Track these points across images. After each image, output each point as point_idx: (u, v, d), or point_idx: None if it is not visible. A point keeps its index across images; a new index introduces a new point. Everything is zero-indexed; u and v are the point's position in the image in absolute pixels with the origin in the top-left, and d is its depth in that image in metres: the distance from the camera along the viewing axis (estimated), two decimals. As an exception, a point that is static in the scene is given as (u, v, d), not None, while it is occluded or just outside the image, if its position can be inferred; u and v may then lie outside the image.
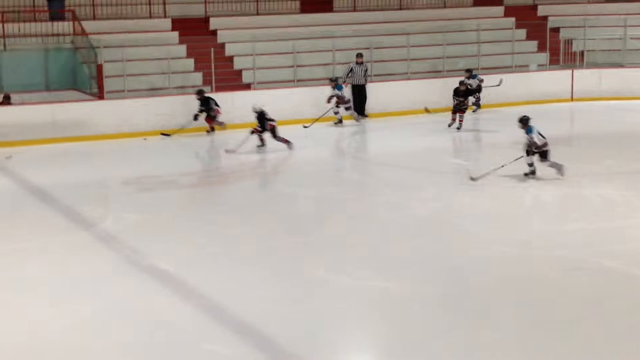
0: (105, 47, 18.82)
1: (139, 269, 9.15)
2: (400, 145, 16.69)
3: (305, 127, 18.28)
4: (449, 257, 9.33)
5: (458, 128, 17.48)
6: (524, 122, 12.65)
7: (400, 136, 17.78)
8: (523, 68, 22.30)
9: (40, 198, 12.64)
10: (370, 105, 19.87)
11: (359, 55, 19.89)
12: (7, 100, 17.83)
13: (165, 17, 21.79)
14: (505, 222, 10.77)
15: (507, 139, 15.36)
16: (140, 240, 10.16)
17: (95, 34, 19.61)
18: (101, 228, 10.78)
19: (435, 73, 21.26)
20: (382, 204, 11.94)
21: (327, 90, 18.61)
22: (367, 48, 20.67)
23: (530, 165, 12.71)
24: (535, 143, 12.49)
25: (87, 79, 19.53)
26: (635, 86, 21.51)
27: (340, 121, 18.78)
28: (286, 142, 15.68)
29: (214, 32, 21.61)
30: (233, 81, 19.95)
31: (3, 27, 19.59)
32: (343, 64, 20.23)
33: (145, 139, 17.32)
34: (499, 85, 19.11)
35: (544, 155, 12.59)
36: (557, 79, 21.84)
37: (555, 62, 22.85)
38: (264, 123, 15.53)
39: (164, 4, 22.04)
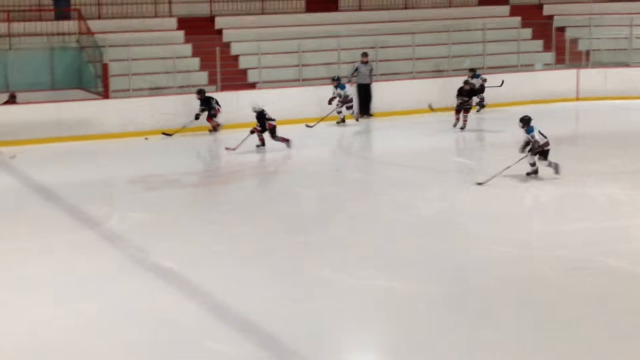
0: (110, 46, 18.84)
1: (144, 267, 9.16)
2: (405, 145, 16.68)
3: (309, 126, 18.24)
4: (453, 257, 9.32)
5: (462, 128, 17.45)
6: (525, 121, 12.63)
7: (405, 135, 17.77)
8: (528, 67, 22.25)
9: (45, 197, 12.66)
10: (376, 104, 19.86)
11: (364, 55, 19.88)
12: (12, 99, 17.86)
13: (170, 16, 21.80)
14: (509, 221, 10.76)
15: (511, 139, 15.29)
16: (145, 239, 10.17)
17: (101, 33, 19.64)
18: (106, 227, 10.80)
19: (440, 72, 21.22)
20: (386, 203, 11.94)
21: (332, 90, 18.57)
22: (373, 47, 20.65)
23: (533, 165, 12.70)
24: (537, 142, 12.47)
25: (92, 78, 19.56)
26: (640, 85, 21.49)
27: (342, 120, 18.76)
28: (285, 140, 15.67)
29: (220, 32, 21.62)
30: (238, 80, 19.96)
31: (9, 26, 19.63)
32: (348, 63, 20.22)
33: (146, 138, 17.33)
34: (500, 86, 19.06)
35: (544, 154, 12.57)
36: (563, 79, 21.79)
37: (560, 61, 22.80)
38: (263, 122, 15.51)
39: (170, 3, 22.05)
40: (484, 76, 19.35)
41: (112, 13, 21.37)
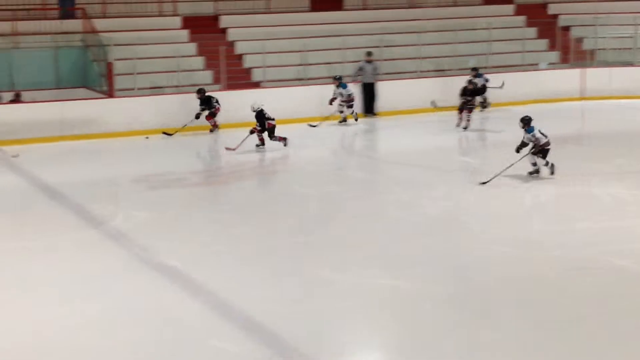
0: (115, 45, 18.87)
1: (148, 266, 9.17)
2: (408, 144, 16.68)
3: (313, 125, 18.21)
4: (457, 256, 9.31)
5: (465, 127, 17.41)
6: (526, 122, 12.61)
7: (408, 135, 17.76)
8: (533, 66, 22.22)
9: (49, 195, 12.68)
10: (380, 103, 19.85)
11: (369, 54, 19.88)
12: (17, 98, 17.89)
13: (175, 15, 21.81)
14: (512, 221, 10.74)
15: (515, 138, 15.22)
16: (149, 238, 10.18)
17: (106, 32, 19.66)
18: (111, 226, 10.80)
19: (444, 71, 21.19)
20: (390, 202, 11.94)
21: (333, 89, 18.53)
22: (377, 46, 20.65)
23: (534, 164, 12.67)
24: (538, 140, 12.45)
25: (97, 77, 19.58)
26: (646, 85, 21.45)
27: (344, 120, 18.72)
28: (282, 139, 15.66)
29: (224, 30, 21.63)
30: (243, 79, 19.96)
31: (14, 25, 19.66)
32: (353, 62, 20.22)
33: (147, 137, 17.33)
34: (501, 87, 19.01)
35: (543, 153, 12.54)
36: (568, 78, 21.74)
37: (565, 60, 22.77)
38: (263, 122, 15.49)
39: (174, 1, 22.07)
40: (487, 76, 19.29)
41: (117, 12, 21.39)
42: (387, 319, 7.65)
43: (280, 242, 10.03)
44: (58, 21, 20.73)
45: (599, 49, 22.77)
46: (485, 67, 21.03)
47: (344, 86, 18.55)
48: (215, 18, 22.15)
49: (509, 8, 24.76)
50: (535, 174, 12.73)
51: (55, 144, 16.86)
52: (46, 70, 19.65)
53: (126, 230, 10.58)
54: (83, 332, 7.42)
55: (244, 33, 21.36)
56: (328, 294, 8.23)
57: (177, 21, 21.57)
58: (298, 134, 17.03)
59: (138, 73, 18.89)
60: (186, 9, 22.10)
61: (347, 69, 20.10)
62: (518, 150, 12.66)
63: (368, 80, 19.73)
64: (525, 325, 7.36)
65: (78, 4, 21.03)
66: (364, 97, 19.75)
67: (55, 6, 21.21)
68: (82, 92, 19.33)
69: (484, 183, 12.35)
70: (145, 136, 17.37)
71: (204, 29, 21.31)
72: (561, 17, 24.10)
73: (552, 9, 24.96)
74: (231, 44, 20.95)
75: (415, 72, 21.03)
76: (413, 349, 7.01)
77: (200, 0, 22.51)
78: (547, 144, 12.55)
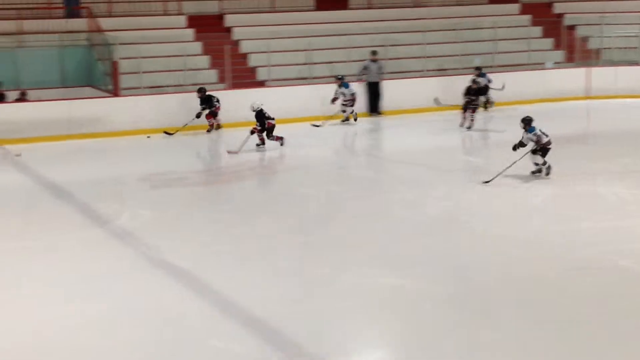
0: (120, 44, 18.91)
1: (152, 266, 9.17)
2: (412, 143, 16.67)
3: (316, 125, 18.16)
4: (459, 256, 9.26)
5: (469, 127, 17.38)
6: (527, 122, 12.58)
7: (412, 134, 17.74)
8: (539, 66, 22.18)
9: (55, 194, 12.70)
10: (385, 102, 19.84)
11: (374, 53, 19.87)
12: (23, 97, 17.92)
13: (180, 14, 21.83)
14: (514, 221, 10.72)
15: (519, 137, 15.28)
16: (154, 237, 10.18)
17: (111, 31, 19.69)
18: (116, 225, 10.81)
19: (447, 70, 21.16)
20: (394, 201, 11.92)
21: (334, 89, 18.51)
22: (382, 45, 20.64)
23: (537, 164, 12.64)
24: (540, 139, 12.42)
25: (102, 76, 19.61)
26: (651, 84, 21.41)
27: (347, 119, 18.70)
28: (279, 139, 15.65)
29: (229, 29, 21.64)
30: (248, 78, 19.97)
31: (19, 24, 19.69)
32: (358, 61, 20.21)
33: (148, 136, 17.34)
34: (501, 89, 18.97)
35: (544, 152, 12.51)
36: (573, 77, 21.71)
37: (571, 59, 22.74)
38: (263, 121, 15.49)
39: (179, 1, 22.09)
40: (489, 76, 19.20)
41: (122, 11, 21.42)
42: (387, 319, 7.64)
43: (283, 242, 10.02)
44: (63, 20, 20.78)
45: (605, 48, 22.74)
46: (491, 67, 21.00)
47: (346, 86, 18.52)
48: (220, 17, 22.15)
49: (514, 7, 24.73)
50: (538, 174, 12.70)
51: (61, 142, 16.88)
52: (51, 69, 19.69)
53: (131, 229, 10.60)
54: (85, 331, 7.42)
55: (249, 32, 21.37)
56: (329, 293, 8.22)
57: (182, 20, 21.58)
58: (300, 133, 17.04)
59: (143, 72, 18.91)
60: (191, 8, 22.12)
61: (352, 68, 20.09)
62: (515, 148, 12.63)
63: (373, 79, 19.72)
64: (525, 325, 7.34)
65: (83, 3, 21.07)
66: (369, 96, 19.75)
67: (61, 5, 21.25)
68: (87, 91, 19.36)
69: (486, 182, 12.33)
70: (147, 135, 17.38)
71: (209, 28, 21.33)
72: (566, 16, 24.07)
73: (558, 8, 24.93)
74: (236, 43, 20.95)
75: (420, 71, 21.02)
76: (413, 349, 7.00)
77: (205, -1, 22.55)
78: (549, 143, 12.52)
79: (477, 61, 20.79)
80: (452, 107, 17.97)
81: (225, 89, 19.05)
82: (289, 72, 20.25)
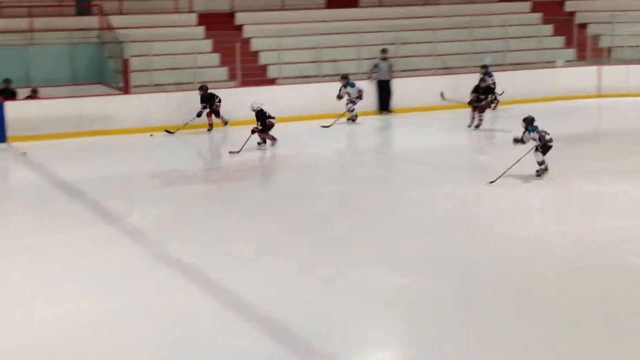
0: (131, 41, 18.92)
1: (163, 264, 9.19)
2: (421, 142, 16.65)
3: (325, 126, 18.03)
4: (460, 256, 9.20)
5: (477, 126, 17.30)
6: (529, 122, 12.49)
7: (421, 132, 17.70)
8: (550, 64, 22.11)
9: (66, 192, 12.73)
10: (395, 100, 19.82)
11: (384, 51, 19.84)
12: (34, 94, 17.97)
13: (191, 12, 21.85)
14: (518, 220, 10.71)
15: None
16: (164, 235, 10.19)
17: (122, 29, 19.72)
18: (127, 222, 10.83)
19: (458, 69, 21.09)
20: (400, 200, 11.90)
21: (339, 88, 18.43)
22: (393, 43, 20.62)
23: (544, 161, 12.52)
24: (543, 137, 12.35)
25: (113, 74, 19.64)
26: (663, 82, 21.32)
27: (353, 118, 18.57)
28: (273, 138, 15.63)
29: (240, 27, 21.64)
30: (258, 76, 19.97)
31: (30, 21, 19.74)
32: (368, 59, 20.19)
33: (151, 135, 17.35)
34: (500, 94, 18.83)
35: (545, 150, 12.42)
36: (584, 75, 21.65)
37: (582, 58, 22.67)
38: (264, 121, 15.47)
39: (190, -2, 22.12)
40: (495, 78, 18.97)
41: (133, 9, 21.43)
42: (387, 318, 7.62)
43: (289, 240, 10.01)
44: (74, 18, 20.82)
45: (616, 47, 22.65)
46: (502, 65, 20.97)
47: (352, 85, 18.46)
48: (230, 15, 22.16)
49: (525, 5, 24.66)
50: (543, 173, 12.59)
51: (71, 140, 16.92)
52: (62, 67, 19.74)
53: (142, 226, 10.62)
54: (96, 328, 7.42)
55: (259, 30, 21.36)
56: (335, 292, 8.21)
57: (192, 18, 21.60)
58: (308, 131, 17.04)
59: (154, 70, 18.93)
60: (202, 5, 22.12)
61: (363, 66, 20.07)
62: (515, 141, 12.54)
63: (383, 77, 19.70)
64: (525, 325, 7.30)
65: (94, 0, 21.09)
66: (379, 94, 19.73)
67: (72, 3, 21.28)
68: (97, 88, 19.40)
69: (491, 182, 12.23)
70: (150, 134, 17.38)
71: (220, 25, 21.33)
72: (578, 14, 24.00)
73: (569, 6, 24.85)
74: (247, 41, 20.95)
75: (430, 69, 20.99)
76: (415, 348, 7.00)
77: (215, -3, 22.55)
78: (550, 140, 12.43)
79: (488, 59, 20.71)
80: (457, 104, 17.88)
81: (235, 87, 19.06)
82: (299, 70, 20.23)
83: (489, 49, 21.76)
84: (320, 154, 15.61)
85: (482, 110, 17.37)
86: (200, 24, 21.37)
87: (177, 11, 21.88)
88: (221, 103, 17.50)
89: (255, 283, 8.45)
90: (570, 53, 22.78)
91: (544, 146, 12.41)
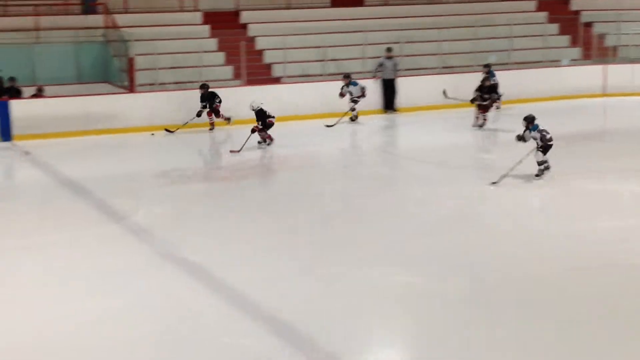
0: (136, 40, 18.94)
1: (168, 262, 9.19)
2: (426, 141, 16.63)
3: (329, 126, 18.02)
4: (464, 255, 9.18)
5: (481, 125, 17.28)
6: (530, 120, 12.45)
7: (427, 131, 17.67)
8: (555, 63, 22.09)
9: (71, 190, 12.75)
10: (401, 99, 19.81)
11: (389, 50, 19.83)
12: (39, 93, 18.00)
13: (196, 10, 21.86)
14: (521, 220, 10.66)
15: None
16: (169, 234, 10.20)
17: (127, 28, 19.74)
18: (132, 221, 10.84)
19: (463, 68, 21.06)
20: (405, 199, 11.88)
21: (341, 87, 18.41)
22: (397, 42, 20.61)
23: (544, 162, 12.46)
24: (545, 137, 12.32)
25: (118, 72, 19.67)
26: (669, 81, 21.29)
27: (354, 118, 18.54)
28: (270, 138, 15.62)
29: (245, 26, 21.66)
30: (263, 75, 19.98)
31: (36, 20, 19.78)
32: (373, 58, 20.18)
33: (152, 134, 17.36)
34: (501, 95, 18.78)
35: (545, 149, 12.39)
36: (590, 74, 21.61)
37: (587, 57, 22.64)
38: (264, 120, 15.48)
39: (195, -3, 22.14)
40: (497, 78, 18.89)
41: (138, 7, 21.47)
42: (391, 317, 7.61)
43: (294, 239, 10.01)
44: (80, 16, 20.86)
45: (622, 46, 22.61)
46: (507, 64, 20.94)
47: (354, 84, 18.43)
48: (235, 13, 22.17)
49: (531, 4, 24.62)
50: (546, 171, 12.56)
51: (77, 138, 16.95)
52: (67, 65, 19.79)
53: (147, 225, 10.63)
54: (102, 327, 7.42)
55: (264, 29, 21.38)
56: (340, 291, 8.20)
57: (197, 17, 21.61)
58: (311, 131, 17.03)
59: (159, 68, 18.95)
60: (207, 4, 22.13)
61: (368, 65, 20.07)
62: (518, 139, 12.52)
63: (388, 76, 19.69)
64: (525, 325, 7.27)
65: (99, -1, 21.15)
66: (384, 93, 19.72)
67: (77, 1, 21.32)
68: (103, 87, 19.44)
69: (494, 183, 12.18)
70: (151, 133, 17.39)
71: (225, 24, 21.35)
72: (583, 13, 23.96)
73: (574, 4, 24.81)
74: (252, 40, 20.96)
75: (435, 68, 20.97)
76: (415, 347, 7.00)
77: (220, -4, 22.57)
78: (550, 139, 12.38)
79: (493, 58, 20.70)
80: (461, 103, 17.86)
81: (240, 86, 19.07)
82: (304, 69, 20.24)
83: (494, 48, 21.74)
84: (324, 153, 15.60)
85: (486, 109, 17.34)
86: (205, 22, 21.39)
87: (182, 10, 21.91)
88: (221, 103, 17.44)
89: (263, 281, 8.44)
90: (576, 52, 22.75)
91: (545, 146, 12.39)
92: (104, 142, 16.78)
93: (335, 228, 10.53)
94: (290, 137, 16.10)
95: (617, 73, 21.50)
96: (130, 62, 18.78)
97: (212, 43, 20.58)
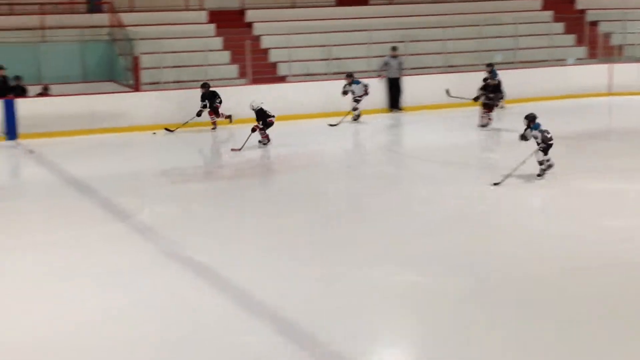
0: (142, 39, 18.98)
1: (173, 261, 9.21)
2: (431, 140, 16.64)
3: (333, 125, 18.02)
4: (470, 255, 9.14)
5: (485, 125, 17.25)
6: (531, 119, 12.43)
7: (431, 130, 17.68)
8: (560, 62, 22.07)
9: (77, 189, 12.78)
10: (406, 98, 19.82)
11: (394, 49, 19.84)
12: (45, 92, 18.05)
13: (201, 9, 21.90)
14: (527, 219, 10.63)
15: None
16: (174, 233, 10.20)
17: (132, 26, 19.78)
18: (137, 220, 10.87)
19: (468, 67, 21.04)
20: (409, 198, 11.88)
21: (343, 86, 18.40)
22: (402, 41, 20.62)
23: (548, 160, 12.42)
24: (546, 137, 12.30)
25: (123, 71, 19.71)
26: (675, 80, 21.26)
27: (357, 117, 18.53)
28: (266, 138, 15.63)
29: (250, 25, 21.68)
30: (268, 73, 20.01)
31: (42, 19, 19.83)
32: (378, 57, 20.19)
33: (154, 133, 17.39)
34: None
35: (546, 149, 12.37)
36: (595, 73, 21.60)
37: (593, 56, 22.61)
38: (265, 119, 15.50)
39: (201, -4, 22.17)
40: (499, 77, 18.86)
41: (144, 6, 21.51)
42: (394, 316, 7.61)
43: (298, 238, 10.01)
44: (85, 15, 20.91)
45: (627, 45, 22.59)
46: (512, 63, 20.93)
47: (357, 82, 18.40)
48: (241, 12, 22.20)
49: (536, 3, 24.61)
50: (548, 170, 12.54)
51: (82, 137, 16.99)
52: (73, 64, 19.85)
53: (152, 224, 10.64)
54: (107, 325, 7.44)
55: (269, 27, 21.40)
56: (343, 290, 8.20)
57: (203, 15, 21.65)
58: (315, 130, 17.03)
59: (164, 67, 18.99)
60: (212, 3, 22.17)
61: (372, 64, 20.07)
62: (521, 137, 12.51)
63: (393, 75, 19.70)
64: (525, 325, 7.26)
65: (105, -2, 21.20)
66: (389, 92, 19.73)
67: (83, 0, 21.36)
68: (108, 85, 19.50)
69: (496, 184, 12.16)
70: (153, 132, 17.42)
71: (230, 23, 21.38)
72: (589, 12, 23.94)
73: (580, 3, 24.79)
74: (257, 38, 20.99)
75: (441, 67, 20.97)
76: (417, 347, 7.01)
77: (226, -5, 22.60)
78: (551, 139, 12.35)
79: (498, 57, 20.70)
80: (465, 102, 17.84)
81: (245, 84, 19.10)
82: (309, 68, 20.26)
83: (500, 47, 21.75)
84: (328, 152, 15.61)
85: (490, 109, 17.32)
86: (210, 21, 21.42)
87: (187, 9, 21.94)
88: (221, 104, 17.42)
89: (268, 281, 8.45)
90: (581, 51, 22.73)
91: (545, 145, 12.37)
92: (109, 140, 16.82)
93: (337, 227, 10.52)
94: (294, 136, 16.13)
95: (623, 72, 21.48)
96: (136, 60, 18.82)
97: (218, 42, 20.61)
